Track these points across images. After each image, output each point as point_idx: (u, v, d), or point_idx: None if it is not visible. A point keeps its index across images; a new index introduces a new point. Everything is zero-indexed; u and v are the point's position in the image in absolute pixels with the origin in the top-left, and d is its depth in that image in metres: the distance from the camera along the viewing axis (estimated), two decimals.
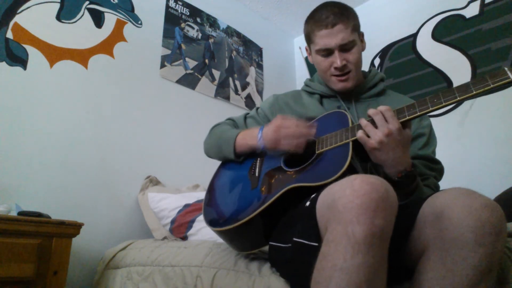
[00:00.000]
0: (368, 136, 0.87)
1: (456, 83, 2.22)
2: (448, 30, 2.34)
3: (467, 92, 0.78)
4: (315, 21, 1.10)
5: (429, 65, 2.37)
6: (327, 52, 1.10)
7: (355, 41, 1.10)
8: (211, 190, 1.17)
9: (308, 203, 0.82)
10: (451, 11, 2.36)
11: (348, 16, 1.09)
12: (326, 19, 1.07)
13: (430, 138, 1.10)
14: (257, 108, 1.29)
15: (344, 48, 1.08)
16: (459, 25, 2.30)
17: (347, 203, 0.64)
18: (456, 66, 2.24)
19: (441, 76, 2.30)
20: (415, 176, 0.90)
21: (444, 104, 0.80)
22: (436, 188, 1.03)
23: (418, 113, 0.84)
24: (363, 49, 1.16)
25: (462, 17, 2.30)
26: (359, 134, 0.87)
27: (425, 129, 1.10)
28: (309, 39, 1.17)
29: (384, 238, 0.64)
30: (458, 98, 0.79)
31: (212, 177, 1.22)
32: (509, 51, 2.05)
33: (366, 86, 1.17)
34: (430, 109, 0.82)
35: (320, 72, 1.17)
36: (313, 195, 0.82)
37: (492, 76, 0.76)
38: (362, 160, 0.96)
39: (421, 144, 1.08)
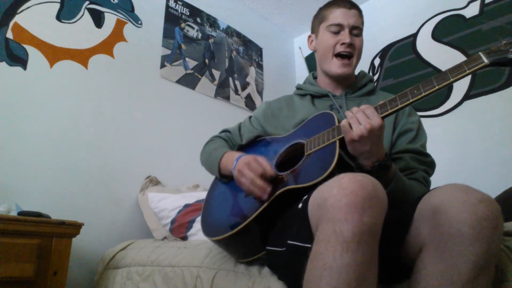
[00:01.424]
0: (351, 129, 0.87)
1: (455, 83, 2.22)
2: (448, 30, 2.34)
3: (444, 80, 0.80)
4: (334, 2, 1.21)
5: (429, 65, 2.37)
6: (338, 29, 1.17)
7: (362, 32, 1.19)
8: (207, 200, 1.18)
9: (300, 205, 0.82)
10: (451, 11, 2.36)
11: (361, 10, 1.21)
12: (344, 1, 1.19)
13: (418, 133, 1.12)
14: (250, 117, 1.31)
15: (353, 31, 1.16)
16: (459, 25, 2.30)
17: (335, 202, 0.65)
18: None
19: None
20: (389, 166, 0.90)
21: (424, 94, 0.82)
22: (425, 181, 1.04)
23: (400, 105, 0.85)
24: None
25: (462, 17, 2.30)
26: (343, 122, 0.88)
27: (413, 124, 1.12)
28: (321, 19, 1.23)
29: (373, 236, 0.64)
30: (437, 87, 0.80)
31: (210, 187, 1.23)
32: None
33: (357, 86, 1.22)
34: (411, 100, 0.83)
35: (324, 51, 1.19)
36: (305, 197, 0.82)
37: (468, 62, 0.78)
38: (351, 158, 0.96)
39: (410, 138, 1.09)
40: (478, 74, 2.14)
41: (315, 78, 1.30)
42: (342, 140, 0.91)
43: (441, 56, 2.32)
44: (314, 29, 1.27)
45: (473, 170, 2.01)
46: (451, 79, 0.79)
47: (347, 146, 0.90)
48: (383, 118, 0.87)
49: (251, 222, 0.94)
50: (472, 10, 2.27)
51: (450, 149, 2.09)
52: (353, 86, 1.21)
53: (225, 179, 1.16)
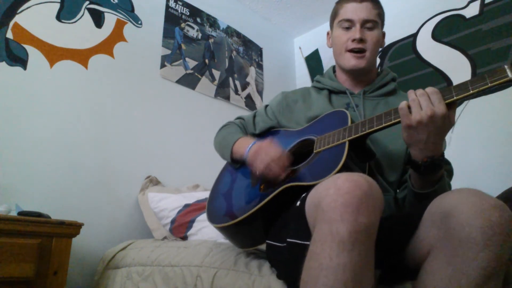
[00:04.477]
0: (410, 112, 0.82)
1: (456, 83, 2.21)
2: (448, 30, 2.34)
3: (465, 91, 0.77)
4: None
5: (429, 65, 2.37)
6: (349, 24, 1.13)
7: (378, 24, 1.13)
8: (215, 187, 1.20)
9: (298, 203, 0.82)
10: (451, 11, 2.36)
11: (377, 2, 1.15)
12: None
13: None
14: (266, 106, 1.29)
15: (366, 25, 1.12)
16: (459, 25, 2.30)
17: (331, 202, 0.64)
18: (456, 66, 2.24)
19: (441, 76, 2.29)
20: (441, 165, 0.87)
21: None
22: (449, 187, 1.01)
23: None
24: (381, 45, 1.17)
25: (462, 17, 2.30)
26: (402, 105, 0.83)
27: None
28: (334, 15, 1.19)
29: (369, 235, 0.64)
30: (455, 98, 0.78)
31: (218, 174, 1.24)
32: (509, 51, 2.05)
33: (377, 85, 1.17)
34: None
35: (337, 48, 1.17)
36: (303, 195, 0.82)
37: (491, 74, 0.74)
38: (361, 160, 0.95)
39: None
40: (478, 74, 2.14)
41: (334, 72, 1.26)
42: (351, 142, 0.90)
43: (441, 56, 2.32)
44: (330, 26, 1.24)
45: (473, 170, 2.01)
46: (471, 91, 0.75)
47: (402, 132, 0.85)
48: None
49: (254, 213, 0.95)
50: (472, 10, 2.27)
51: (450, 148, 2.08)
52: (373, 84, 1.18)
53: (235, 164, 1.16)
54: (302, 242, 0.75)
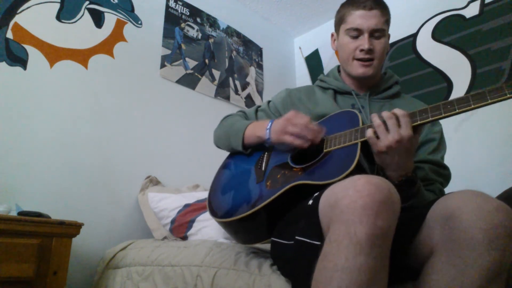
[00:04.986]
0: (378, 138, 0.86)
1: (456, 83, 2.22)
2: (448, 30, 2.34)
3: (482, 100, 0.76)
4: (353, 2, 1.13)
5: (429, 65, 2.37)
6: (357, 33, 1.11)
7: (385, 33, 1.13)
8: (216, 181, 1.18)
9: (310, 202, 0.82)
10: (451, 11, 2.36)
11: (385, 7, 1.13)
12: (365, 1, 1.10)
13: (440, 144, 1.11)
14: (269, 102, 1.29)
15: (374, 34, 1.10)
16: (459, 25, 2.30)
17: (350, 204, 0.64)
18: (456, 66, 2.24)
19: (441, 76, 2.30)
20: (415, 181, 0.90)
21: (458, 111, 0.78)
22: (441, 194, 1.02)
23: (430, 119, 0.82)
24: (387, 49, 1.17)
25: (462, 17, 2.30)
26: (369, 133, 0.86)
27: (436, 134, 1.11)
28: (340, 20, 1.17)
29: (386, 239, 0.64)
30: (473, 106, 0.77)
31: (219, 168, 1.22)
32: (509, 51, 2.05)
33: (382, 87, 1.18)
34: (443, 115, 0.80)
35: (344, 55, 1.16)
36: (316, 194, 0.82)
37: (510, 85, 0.73)
38: (370, 162, 0.95)
39: (431, 148, 1.08)
40: (478, 74, 2.14)
41: (339, 71, 1.26)
42: (364, 143, 0.90)
43: (441, 56, 2.32)
44: (335, 28, 1.22)
45: (473, 170, 2.01)
46: (489, 101, 0.75)
47: (375, 157, 0.89)
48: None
49: (260, 209, 0.95)
50: (472, 10, 2.27)
51: (450, 149, 2.08)
52: (377, 86, 1.18)
53: (245, 150, 1.15)
54: (312, 241, 0.75)
